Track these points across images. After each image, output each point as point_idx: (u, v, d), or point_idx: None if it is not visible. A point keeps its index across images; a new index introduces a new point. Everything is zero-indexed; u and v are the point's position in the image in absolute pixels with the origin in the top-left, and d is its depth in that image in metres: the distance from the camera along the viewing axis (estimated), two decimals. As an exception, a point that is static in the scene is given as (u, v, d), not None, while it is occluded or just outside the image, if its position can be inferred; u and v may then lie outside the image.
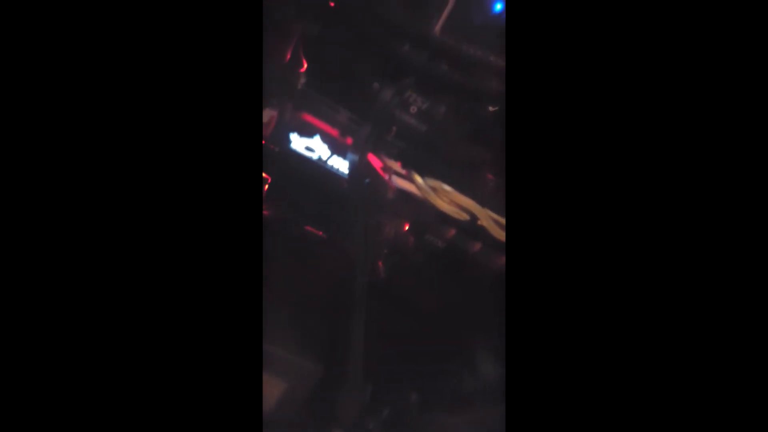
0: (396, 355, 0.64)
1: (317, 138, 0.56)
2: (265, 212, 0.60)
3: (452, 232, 0.57)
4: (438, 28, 0.54)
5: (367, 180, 0.53)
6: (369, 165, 0.54)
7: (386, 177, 0.54)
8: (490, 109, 0.57)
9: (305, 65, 0.55)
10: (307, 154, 0.56)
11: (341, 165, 0.57)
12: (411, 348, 0.65)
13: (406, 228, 0.59)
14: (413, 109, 0.56)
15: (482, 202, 0.54)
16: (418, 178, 0.54)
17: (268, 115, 0.53)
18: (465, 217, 0.54)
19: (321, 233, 0.64)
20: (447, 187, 0.54)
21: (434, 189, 0.54)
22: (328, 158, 0.57)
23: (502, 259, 0.57)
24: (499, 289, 0.36)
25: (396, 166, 0.55)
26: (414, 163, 0.55)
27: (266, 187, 0.58)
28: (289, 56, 0.55)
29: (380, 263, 0.61)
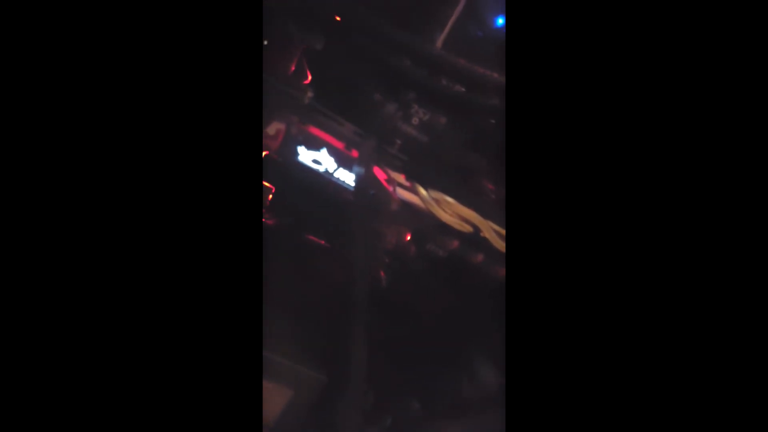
0: (398, 363, 0.64)
1: (324, 151, 0.57)
2: (270, 222, 0.60)
3: (455, 243, 0.58)
4: (440, 41, 0.55)
5: (372, 192, 0.54)
6: (374, 177, 0.54)
7: (390, 189, 0.55)
8: (491, 121, 0.58)
9: (309, 77, 0.56)
10: (315, 166, 0.57)
11: (347, 177, 0.58)
12: (412, 356, 0.65)
13: (408, 238, 0.60)
14: (415, 120, 0.57)
15: (485, 215, 0.55)
16: (422, 190, 0.55)
17: (276, 128, 0.54)
18: (468, 228, 0.55)
19: (323, 242, 0.64)
20: (450, 199, 0.55)
21: (437, 201, 0.55)
22: (335, 170, 0.57)
23: (504, 270, 0.58)
24: (501, 297, 0.37)
25: (400, 178, 0.56)
26: (417, 175, 0.56)
27: (270, 197, 0.59)
28: (293, 68, 0.56)
29: (382, 272, 0.61)
